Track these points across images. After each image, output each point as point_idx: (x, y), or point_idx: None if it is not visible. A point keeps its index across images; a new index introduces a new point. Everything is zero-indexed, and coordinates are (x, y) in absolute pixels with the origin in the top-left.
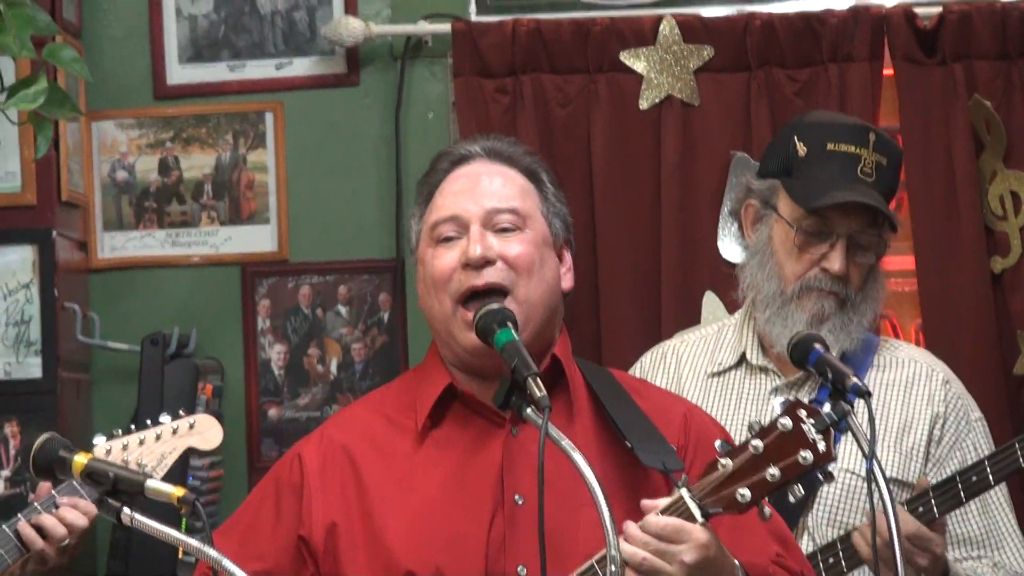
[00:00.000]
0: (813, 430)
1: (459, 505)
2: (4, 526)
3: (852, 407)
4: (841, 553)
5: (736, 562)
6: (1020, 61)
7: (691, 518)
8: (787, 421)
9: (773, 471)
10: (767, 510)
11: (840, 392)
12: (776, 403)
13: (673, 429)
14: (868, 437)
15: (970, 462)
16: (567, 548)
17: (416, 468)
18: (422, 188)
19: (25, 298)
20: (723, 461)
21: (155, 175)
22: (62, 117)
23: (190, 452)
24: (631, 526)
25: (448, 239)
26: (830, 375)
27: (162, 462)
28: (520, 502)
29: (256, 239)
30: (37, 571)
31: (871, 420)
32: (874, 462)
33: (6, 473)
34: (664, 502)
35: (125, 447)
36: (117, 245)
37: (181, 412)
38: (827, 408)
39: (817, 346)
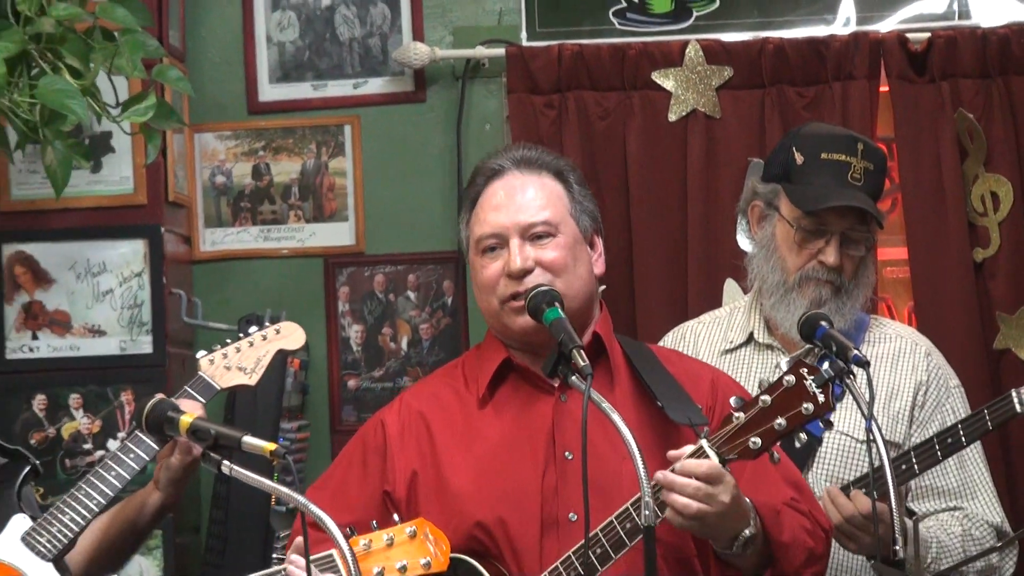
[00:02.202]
0: (814, 385)
1: (516, 461)
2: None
3: (854, 376)
4: None
5: (748, 500)
6: (999, 79)
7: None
8: (791, 378)
9: (780, 421)
10: (776, 455)
11: (844, 362)
12: (782, 362)
13: (702, 392)
14: (868, 401)
15: (949, 423)
16: (611, 496)
17: (478, 430)
18: (465, 198)
19: (138, 285)
20: (736, 414)
21: (249, 179)
22: (168, 128)
23: (280, 353)
24: (673, 476)
25: (492, 249)
26: (834, 347)
27: (258, 364)
28: (569, 457)
29: (337, 234)
30: (172, 467)
31: (870, 385)
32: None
33: (122, 435)
34: (688, 450)
35: (226, 356)
36: (217, 240)
37: (267, 322)
38: (825, 366)
39: (823, 323)
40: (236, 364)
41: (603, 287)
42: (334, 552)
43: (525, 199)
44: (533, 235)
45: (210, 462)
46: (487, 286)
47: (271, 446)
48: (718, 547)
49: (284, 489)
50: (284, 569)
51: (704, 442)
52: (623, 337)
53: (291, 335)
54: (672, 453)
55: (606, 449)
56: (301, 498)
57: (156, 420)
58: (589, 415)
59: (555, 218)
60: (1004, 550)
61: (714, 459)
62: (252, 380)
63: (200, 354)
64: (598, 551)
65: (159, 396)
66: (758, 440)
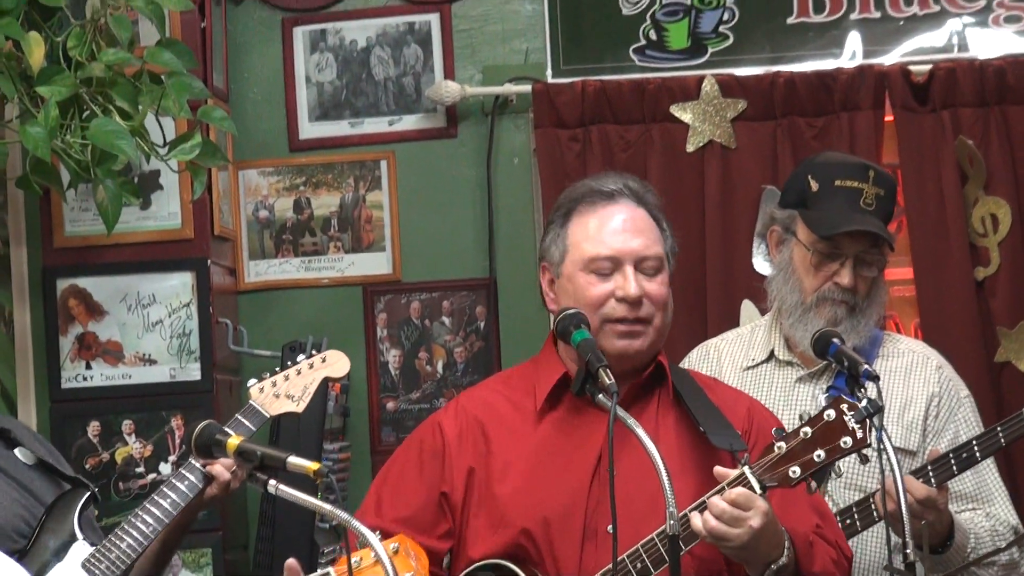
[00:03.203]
0: (853, 420)
1: (566, 472)
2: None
3: (864, 389)
4: (856, 515)
5: (783, 529)
6: (996, 108)
7: (752, 489)
8: (832, 412)
9: (819, 453)
10: (813, 485)
11: (854, 377)
12: (822, 398)
13: (739, 418)
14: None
15: (962, 431)
16: (651, 511)
17: (533, 439)
18: (567, 205)
19: (186, 315)
20: (779, 444)
21: (291, 213)
22: (213, 165)
23: (326, 380)
24: (712, 499)
25: (603, 273)
26: (846, 363)
27: (305, 392)
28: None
29: (374, 264)
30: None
31: (880, 397)
32: (883, 433)
33: (173, 458)
34: (733, 473)
35: (275, 384)
36: (260, 271)
37: (313, 351)
38: (864, 403)
39: (835, 340)
40: (284, 392)
41: None
42: (331, 571)
43: (642, 230)
44: (644, 267)
45: (256, 482)
46: (593, 304)
47: (315, 466)
48: (751, 573)
49: (327, 506)
50: None
51: (746, 469)
52: (669, 362)
53: (336, 363)
54: (718, 470)
55: (649, 469)
56: (344, 514)
57: (205, 443)
58: (640, 431)
59: (661, 255)
60: (1022, 547)
61: (755, 484)
62: (299, 408)
63: (250, 383)
64: (639, 566)
65: (208, 421)
66: (797, 470)
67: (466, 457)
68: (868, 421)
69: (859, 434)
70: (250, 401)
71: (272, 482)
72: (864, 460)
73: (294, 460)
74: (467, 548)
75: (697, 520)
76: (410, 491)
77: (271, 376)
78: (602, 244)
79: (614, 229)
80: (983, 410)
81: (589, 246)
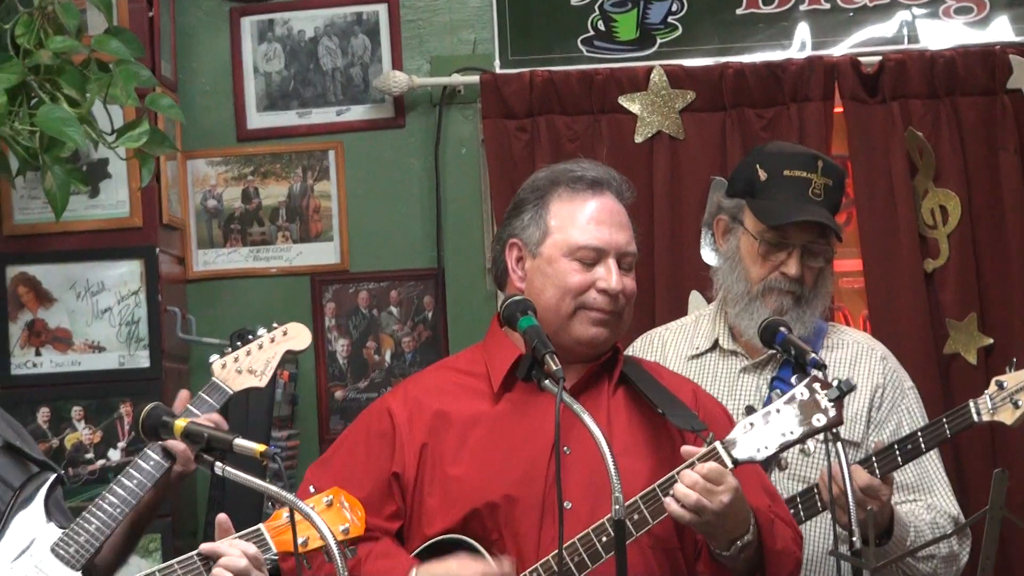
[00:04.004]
0: (826, 399)
1: (523, 451)
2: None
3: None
4: (800, 505)
5: (749, 506)
6: (946, 99)
7: (723, 464)
8: (804, 391)
9: (792, 430)
10: (785, 462)
11: (801, 366)
12: (795, 379)
13: (687, 403)
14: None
15: (904, 422)
16: (605, 490)
17: (487, 420)
18: (546, 187)
19: (135, 303)
20: (749, 421)
21: (239, 203)
22: (161, 153)
23: (288, 354)
24: (685, 471)
25: (587, 262)
26: (792, 352)
27: (268, 366)
28: (567, 452)
29: (322, 254)
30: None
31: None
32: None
33: (122, 444)
34: (704, 449)
35: (236, 359)
36: (209, 260)
37: (275, 324)
38: (836, 382)
39: (782, 329)
40: (247, 367)
41: None
42: (262, 526)
43: (625, 225)
44: (624, 263)
45: (203, 463)
46: (573, 290)
47: (261, 448)
48: (715, 548)
49: (274, 488)
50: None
51: (718, 444)
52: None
53: (298, 336)
54: (686, 449)
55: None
56: (290, 496)
57: (152, 425)
58: (587, 417)
59: (636, 251)
60: (962, 538)
61: (726, 459)
62: (262, 382)
63: (212, 359)
64: (576, 559)
65: (155, 403)
66: (766, 446)
67: (418, 436)
68: (842, 399)
69: (832, 412)
70: (212, 378)
71: (219, 464)
72: (836, 439)
73: (241, 442)
74: (422, 526)
75: (670, 500)
76: (358, 474)
77: (232, 352)
78: (590, 234)
79: (602, 221)
80: (931, 402)
81: (577, 233)
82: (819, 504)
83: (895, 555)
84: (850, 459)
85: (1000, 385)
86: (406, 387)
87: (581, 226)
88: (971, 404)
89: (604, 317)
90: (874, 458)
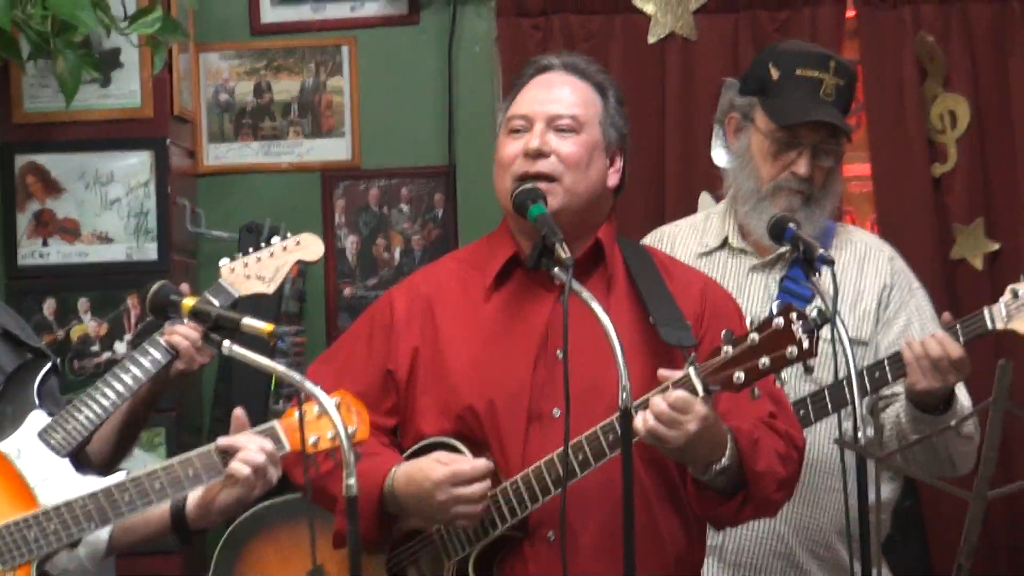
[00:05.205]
0: (801, 330)
1: (511, 353)
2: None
3: (819, 273)
4: (810, 406)
5: (727, 429)
6: (957, 4)
7: (695, 392)
8: (780, 321)
9: (765, 360)
10: (757, 391)
11: (809, 262)
12: (773, 306)
13: (692, 300)
14: (832, 297)
15: (914, 320)
16: (596, 396)
17: (480, 319)
18: (511, 88)
19: (144, 194)
20: (726, 348)
21: (251, 97)
22: (174, 41)
23: (298, 263)
24: (653, 399)
25: (517, 131)
26: (801, 248)
27: (277, 273)
28: (559, 355)
29: (334, 149)
30: (176, 373)
31: (834, 282)
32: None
33: (128, 337)
34: (677, 375)
35: (246, 264)
36: (220, 154)
37: (288, 233)
38: (813, 313)
39: (791, 224)
40: (256, 273)
41: None
42: (276, 423)
43: (561, 94)
44: (558, 127)
45: (211, 343)
46: (504, 163)
47: (269, 327)
48: (693, 473)
49: (281, 367)
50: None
51: (692, 370)
52: (627, 241)
53: (310, 246)
54: (662, 373)
55: (595, 351)
56: (297, 375)
57: (160, 303)
58: (582, 318)
59: (583, 118)
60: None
61: (698, 387)
62: (270, 289)
63: (223, 262)
64: (580, 457)
65: (162, 281)
66: (742, 375)
67: (412, 336)
68: (816, 332)
69: (805, 344)
70: (219, 280)
71: (227, 343)
72: (809, 371)
73: (249, 321)
74: (416, 424)
75: (638, 419)
76: (359, 366)
77: (243, 256)
78: (520, 105)
79: (534, 94)
80: (937, 308)
81: (511, 110)
82: (828, 407)
83: (919, 436)
84: (859, 359)
85: (1015, 293)
86: (413, 279)
87: (516, 102)
88: (985, 311)
89: (527, 181)
90: (958, 326)
